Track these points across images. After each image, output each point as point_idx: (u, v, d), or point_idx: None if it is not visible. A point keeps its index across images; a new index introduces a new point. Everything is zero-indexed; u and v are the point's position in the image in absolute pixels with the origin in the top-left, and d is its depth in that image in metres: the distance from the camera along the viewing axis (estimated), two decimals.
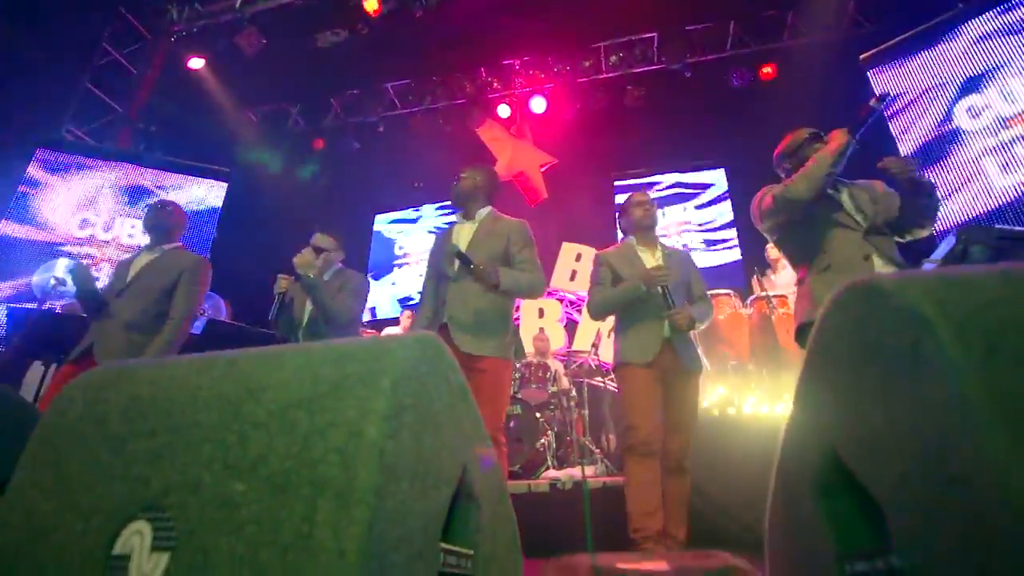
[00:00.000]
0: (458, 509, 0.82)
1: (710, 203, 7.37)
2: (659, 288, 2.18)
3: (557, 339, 6.62)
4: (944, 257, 2.41)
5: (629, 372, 2.23)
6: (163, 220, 2.63)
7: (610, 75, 7.34)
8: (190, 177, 7.04)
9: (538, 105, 7.48)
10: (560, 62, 7.43)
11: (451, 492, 0.76)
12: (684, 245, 7.11)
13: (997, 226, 4.10)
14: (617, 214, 2.61)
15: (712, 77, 7.08)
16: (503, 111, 7.58)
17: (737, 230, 6.96)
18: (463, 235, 2.29)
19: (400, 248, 8.45)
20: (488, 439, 0.96)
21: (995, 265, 0.54)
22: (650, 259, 2.40)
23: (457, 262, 2.14)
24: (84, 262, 6.08)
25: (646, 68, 7.20)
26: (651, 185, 7.61)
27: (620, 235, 2.69)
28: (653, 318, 2.23)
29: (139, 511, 0.67)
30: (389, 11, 6.55)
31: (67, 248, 6.19)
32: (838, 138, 1.96)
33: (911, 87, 5.52)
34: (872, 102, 1.95)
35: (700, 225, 7.30)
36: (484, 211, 2.36)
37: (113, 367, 0.90)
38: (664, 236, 7.18)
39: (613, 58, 7.27)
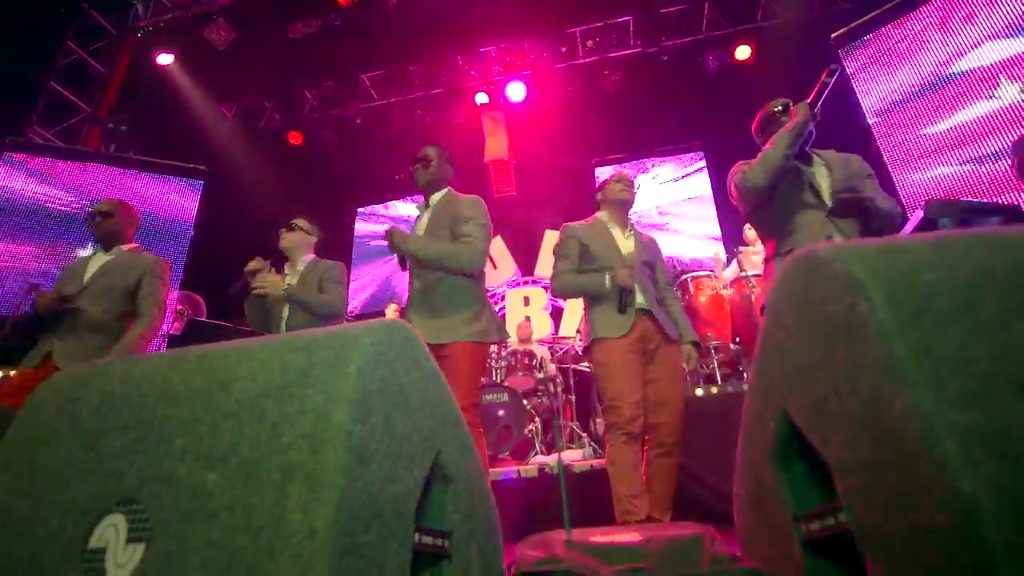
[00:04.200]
0: (433, 491, 0.84)
1: (690, 180, 7.42)
2: (620, 289, 2.13)
3: (543, 326, 6.66)
4: (913, 231, 2.47)
5: (604, 346, 2.14)
6: (106, 227, 2.49)
7: (587, 60, 7.31)
8: (165, 176, 6.92)
9: (516, 92, 7.45)
10: (537, 48, 7.38)
11: (424, 474, 0.78)
12: (666, 224, 7.17)
13: (963, 199, 4.20)
14: (596, 190, 2.53)
15: (688, 59, 7.09)
16: (480, 98, 7.53)
17: (717, 212, 7.02)
18: (422, 223, 2.26)
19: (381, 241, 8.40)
20: (463, 423, 0.98)
21: (927, 233, 0.57)
22: (620, 237, 2.35)
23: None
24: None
25: (622, 52, 7.19)
26: (637, 170, 7.64)
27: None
28: (615, 297, 2.18)
29: (114, 505, 0.68)
30: (362, 1, 6.46)
31: (37, 252, 6.05)
32: (796, 116, 1.96)
33: (881, 63, 5.59)
34: (824, 76, 1.97)
35: (683, 206, 7.34)
36: (439, 194, 2.29)
37: (85, 367, 0.90)
38: (644, 217, 7.27)
39: (589, 43, 7.25)
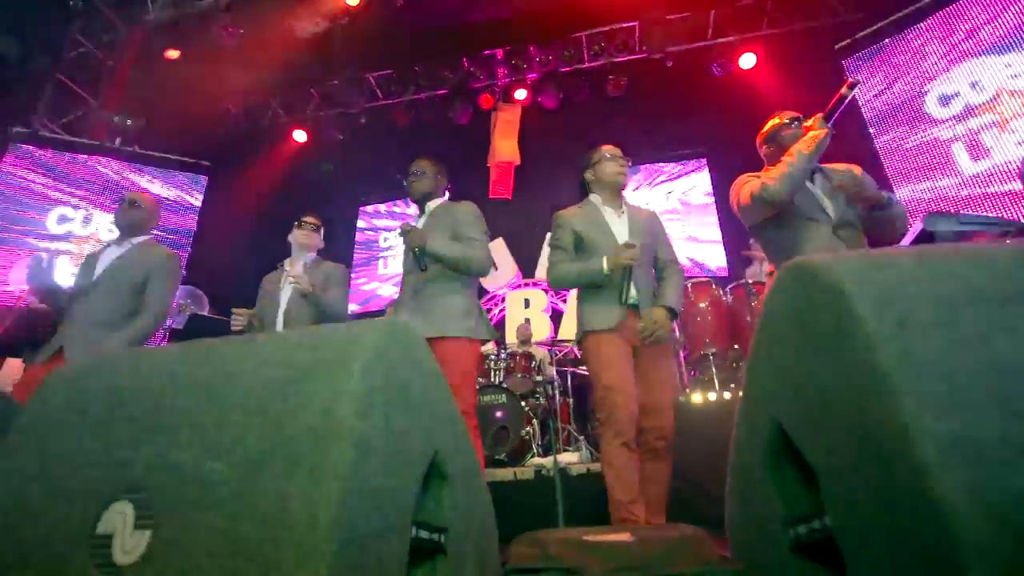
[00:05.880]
0: (431, 487, 0.86)
1: (694, 188, 7.44)
2: (621, 271, 2.02)
3: (542, 329, 6.68)
4: (911, 242, 2.50)
5: (595, 338, 2.05)
6: (134, 216, 2.53)
7: (592, 65, 7.34)
8: (169, 171, 6.96)
9: (520, 96, 7.48)
10: (542, 52, 7.41)
11: (423, 471, 0.80)
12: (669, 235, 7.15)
13: (962, 212, 4.22)
14: (582, 167, 2.38)
15: (693, 66, 7.12)
16: (486, 102, 7.57)
17: (719, 218, 7.04)
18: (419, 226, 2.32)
19: (385, 240, 8.43)
20: (462, 421, 1.00)
21: (914, 247, 0.59)
22: (615, 219, 2.22)
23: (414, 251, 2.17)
24: (59, 257, 6.02)
25: (628, 57, 7.22)
26: (636, 170, 7.66)
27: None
28: (616, 284, 2.07)
29: (121, 492, 0.70)
30: (369, 0, 6.50)
31: (44, 245, 6.10)
32: (815, 130, 1.98)
33: (884, 75, 5.61)
34: (843, 89, 1.99)
35: (685, 212, 7.35)
36: (435, 203, 2.39)
37: (94, 359, 0.92)
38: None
39: (595, 48, 7.28)
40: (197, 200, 7.01)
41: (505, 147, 7.45)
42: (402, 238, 2.15)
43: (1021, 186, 4.39)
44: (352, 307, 7.56)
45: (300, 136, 7.97)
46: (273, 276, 2.70)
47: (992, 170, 4.63)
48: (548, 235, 7.37)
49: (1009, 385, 0.47)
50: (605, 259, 2.06)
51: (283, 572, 0.56)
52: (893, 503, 0.48)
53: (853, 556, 0.56)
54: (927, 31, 5.32)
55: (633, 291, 2.06)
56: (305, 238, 2.69)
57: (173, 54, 6.95)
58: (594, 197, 2.32)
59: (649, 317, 2.03)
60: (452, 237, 2.22)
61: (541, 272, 7.16)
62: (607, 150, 2.31)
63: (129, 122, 6.88)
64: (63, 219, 6.31)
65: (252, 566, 0.58)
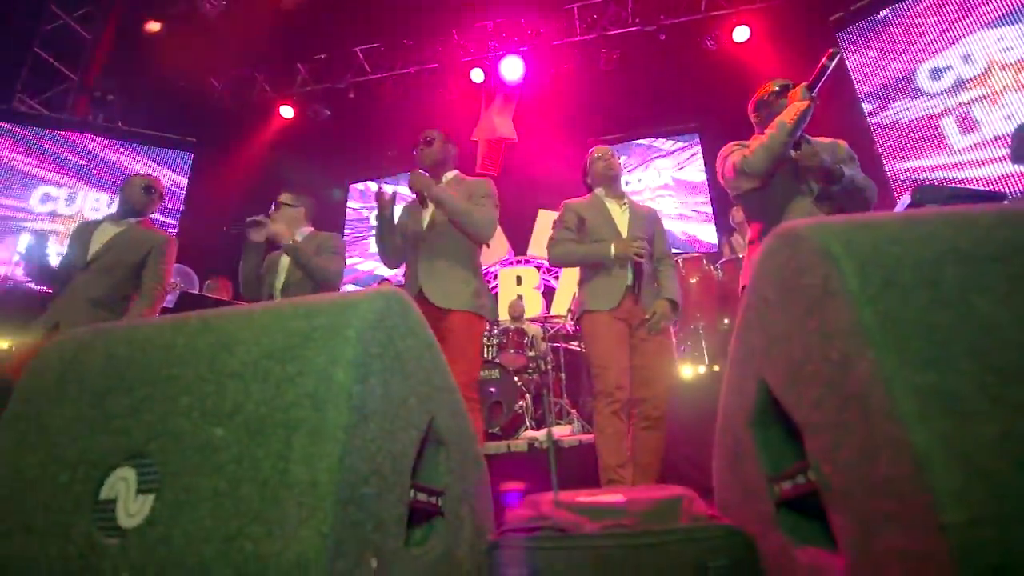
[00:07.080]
0: (427, 452, 0.88)
1: (686, 164, 7.42)
2: (630, 261, 2.16)
3: (535, 305, 6.71)
4: None
5: (593, 318, 2.18)
6: (141, 199, 2.53)
7: (584, 38, 7.23)
8: (154, 148, 6.83)
9: (515, 69, 7.36)
10: (533, 24, 7.28)
11: (420, 436, 0.82)
12: (659, 210, 7.17)
13: (951, 185, 4.25)
14: (582, 173, 2.56)
15: (687, 39, 7.03)
16: (476, 75, 7.45)
17: (710, 194, 7.04)
18: None
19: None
20: (457, 390, 1.01)
21: (902, 210, 0.60)
22: (617, 210, 2.35)
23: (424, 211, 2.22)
24: (49, 237, 5.94)
25: (620, 30, 7.11)
26: (628, 149, 7.62)
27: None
28: (615, 267, 2.21)
29: (122, 459, 0.71)
30: None
31: (27, 224, 6.00)
32: (797, 100, 1.97)
33: (878, 48, 5.58)
34: (824, 59, 1.98)
35: (676, 188, 7.35)
36: (450, 174, 2.38)
37: (89, 329, 0.92)
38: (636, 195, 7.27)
39: (587, 20, 7.16)
40: (183, 178, 6.90)
41: (503, 124, 7.39)
42: (409, 182, 2.19)
43: (1011, 162, 4.42)
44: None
45: (287, 112, 7.83)
46: (273, 254, 2.67)
47: (981, 144, 4.65)
48: (540, 211, 7.29)
49: (985, 340, 0.49)
50: (613, 245, 2.18)
51: (286, 530, 0.58)
52: (874, 454, 0.51)
53: (836, 507, 0.59)
54: (920, 4, 5.28)
55: (629, 276, 2.19)
56: (272, 224, 2.63)
57: (154, 27, 6.75)
58: (598, 191, 2.45)
59: (652, 310, 2.18)
60: None
61: (533, 249, 7.16)
62: (595, 152, 2.50)
63: (110, 97, 6.71)
64: (47, 198, 6.20)
65: (256, 526, 0.59)
